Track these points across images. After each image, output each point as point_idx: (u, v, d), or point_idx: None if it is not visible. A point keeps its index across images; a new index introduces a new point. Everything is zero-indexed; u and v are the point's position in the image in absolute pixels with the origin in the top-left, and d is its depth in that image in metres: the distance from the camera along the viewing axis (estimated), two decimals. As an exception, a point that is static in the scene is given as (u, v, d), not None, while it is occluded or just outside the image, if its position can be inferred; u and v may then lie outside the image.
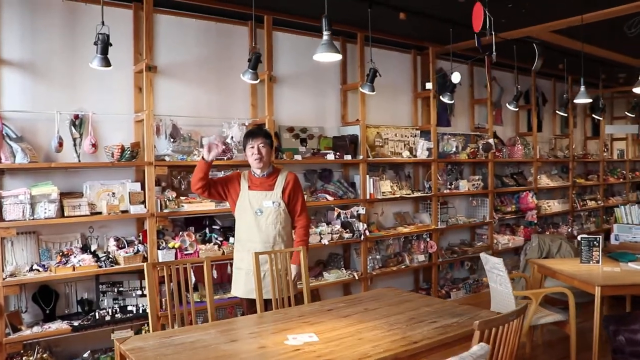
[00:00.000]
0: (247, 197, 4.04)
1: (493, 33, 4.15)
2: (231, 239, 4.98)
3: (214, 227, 5.10)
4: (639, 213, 7.25)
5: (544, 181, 9.26)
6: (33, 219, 4.04)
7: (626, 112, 10.71)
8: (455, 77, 6.11)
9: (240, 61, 5.40)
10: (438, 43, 6.99)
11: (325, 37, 3.56)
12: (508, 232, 8.56)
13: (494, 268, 4.65)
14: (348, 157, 5.93)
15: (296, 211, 4.17)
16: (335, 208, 5.85)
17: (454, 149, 7.33)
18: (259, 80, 4.89)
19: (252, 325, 3.20)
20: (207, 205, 4.82)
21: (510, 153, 8.50)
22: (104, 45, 3.74)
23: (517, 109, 7.77)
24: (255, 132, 4.15)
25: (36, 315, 4.31)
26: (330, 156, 5.76)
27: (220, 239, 5.00)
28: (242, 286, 4.05)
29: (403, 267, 6.63)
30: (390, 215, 6.96)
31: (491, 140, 7.85)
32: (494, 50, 4.38)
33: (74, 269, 4.15)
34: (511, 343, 2.85)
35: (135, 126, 4.77)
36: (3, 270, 3.99)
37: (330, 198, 5.76)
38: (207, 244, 4.90)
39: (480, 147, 7.78)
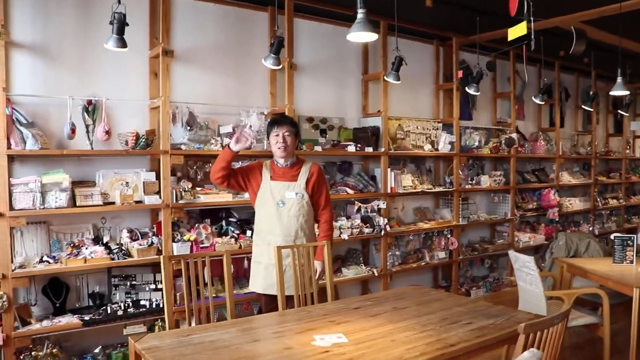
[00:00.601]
0: (269, 188, 3.86)
1: (532, 19, 3.88)
2: (248, 232, 4.79)
3: (230, 219, 4.90)
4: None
5: (566, 178, 9.00)
6: (43, 208, 3.86)
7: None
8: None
9: (259, 48, 5.21)
10: (461, 33, 6.75)
11: (360, 15, 3.33)
12: (528, 229, 8.32)
13: (524, 267, 4.43)
14: (369, 150, 5.71)
15: (320, 204, 4.00)
16: (356, 202, 5.64)
17: (476, 143, 7.09)
18: (280, 66, 4.68)
19: (274, 324, 3.00)
20: (224, 197, 4.62)
21: (532, 149, 8.25)
22: (120, 25, 3.54)
23: (543, 103, 7.52)
24: (281, 119, 3.99)
25: (46, 309, 4.13)
26: (351, 148, 5.55)
27: (237, 232, 4.80)
28: (261, 281, 3.85)
29: (423, 264, 6.42)
30: (410, 211, 6.74)
31: (514, 135, 7.61)
32: (532, 37, 4.11)
33: (85, 261, 3.97)
34: (554, 347, 2.65)
35: (151, 113, 4.58)
36: (12, 262, 3.80)
37: (350, 191, 5.55)
38: (224, 237, 4.70)
39: (503, 141, 7.54)
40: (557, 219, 8.39)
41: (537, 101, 7.13)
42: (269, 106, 5.24)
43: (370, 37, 3.48)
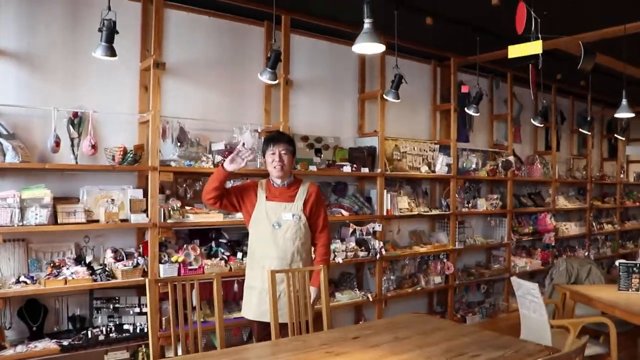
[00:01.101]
0: (264, 209, 3.63)
1: (540, 36, 3.74)
2: (239, 254, 4.58)
3: (220, 240, 4.68)
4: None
5: (562, 202, 8.87)
6: (22, 225, 3.63)
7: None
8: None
9: (254, 63, 5.05)
10: (460, 54, 6.63)
11: (366, 25, 3.17)
12: (524, 254, 8.14)
13: (528, 294, 4.24)
14: (365, 170, 5.53)
15: (317, 227, 3.77)
16: (351, 224, 5.44)
17: (473, 166, 6.94)
18: (277, 81, 4.51)
19: (268, 354, 2.78)
20: (214, 217, 4.41)
21: (529, 172, 8.11)
22: (110, 32, 3.36)
23: (541, 125, 7.39)
24: (277, 137, 3.77)
25: (21, 333, 3.88)
26: (347, 168, 5.37)
27: (228, 253, 4.58)
28: (254, 307, 3.62)
29: (418, 289, 6.22)
30: (405, 234, 6.55)
31: (511, 158, 7.47)
32: (540, 57, 3.96)
33: (66, 282, 3.73)
34: (570, 384, 2.45)
35: (139, 128, 4.38)
36: (-14, 282, 3.56)
37: (345, 213, 5.36)
38: (213, 258, 4.49)
39: (500, 164, 7.40)
40: (553, 244, 8.23)
41: (536, 123, 7.00)
42: (262, 123, 5.06)
43: (377, 48, 3.32)
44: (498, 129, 7.92)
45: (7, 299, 3.69)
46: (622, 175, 10.53)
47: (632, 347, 4.93)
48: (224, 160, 3.58)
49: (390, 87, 5.19)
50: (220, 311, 3.12)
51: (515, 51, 3.78)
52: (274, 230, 3.60)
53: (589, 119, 8.18)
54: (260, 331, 3.61)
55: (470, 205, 7.02)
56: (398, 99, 5.22)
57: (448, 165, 6.52)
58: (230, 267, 4.44)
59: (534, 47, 3.70)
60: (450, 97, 6.69)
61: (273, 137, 3.75)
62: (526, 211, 7.98)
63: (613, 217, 10.19)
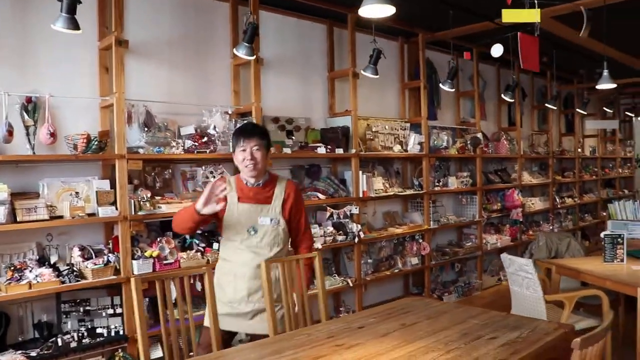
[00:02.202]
0: (236, 212, 3.12)
1: (536, 2, 3.52)
2: (215, 245, 4.28)
3: (195, 231, 4.36)
4: (634, 208, 6.87)
5: (526, 178, 8.87)
6: (-23, 226, 3.24)
7: (604, 108, 10.47)
8: (497, 50, 5.54)
9: (220, 41, 4.75)
10: (427, 30, 6.44)
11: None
12: (493, 231, 8.09)
13: (521, 270, 4.10)
14: (340, 151, 5.29)
15: (299, 230, 3.33)
16: (328, 208, 5.20)
17: (444, 144, 6.79)
18: (254, 56, 4.21)
19: (270, 353, 2.50)
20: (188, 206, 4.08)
21: (496, 148, 8.04)
22: (71, 1, 2.98)
23: (512, 100, 7.31)
24: (248, 130, 3.19)
25: (-19, 345, 3.50)
26: (321, 150, 5.11)
27: (203, 244, 4.28)
28: (225, 317, 3.11)
29: (396, 271, 6.05)
30: (379, 216, 6.36)
31: (479, 135, 7.38)
32: (537, 26, 3.75)
33: (30, 287, 3.37)
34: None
35: (102, 112, 4.01)
36: (-61, 291, 3.16)
37: (321, 196, 5.11)
38: (189, 251, 4.18)
39: (469, 141, 7.28)
40: (521, 219, 8.21)
41: (507, 98, 6.92)
42: (232, 105, 4.74)
43: (387, 10, 3.09)
44: (464, 106, 7.81)
45: (-36, 309, 3.30)
46: (579, 150, 10.65)
47: (618, 317, 4.90)
48: (198, 202, 2.97)
49: (369, 62, 4.94)
50: (214, 306, 2.83)
51: (509, 16, 3.58)
52: (249, 236, 3.13)
53: (555, 93, 8.14)
54: (226, 341, 3.15)
55: (441, 184, 6.90)
56: (377, 74, 5.00)
57: (420, 143, 6.36)
58: (208, 259, 4.13)
59: (530, 15, 3.49)
60: (419, 74, 6.50)
61: (243, 131, 3.18)
62: (495, 187, 7.93)
63: (573, 190, 10.30)
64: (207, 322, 3.11)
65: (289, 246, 3.39)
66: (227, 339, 3.14)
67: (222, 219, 3.13)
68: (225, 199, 3.05)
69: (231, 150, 3.24)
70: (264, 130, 3.32)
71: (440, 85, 6.04)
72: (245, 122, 3.37)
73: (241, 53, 4.04)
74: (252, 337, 3.14)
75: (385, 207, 6.44)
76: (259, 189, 3.18)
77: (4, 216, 3.30)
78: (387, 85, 6.51)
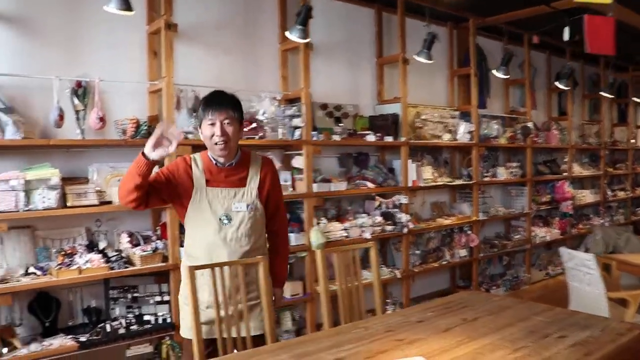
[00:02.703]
0: (206, 198, 2.65)
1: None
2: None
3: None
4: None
5: (577, 169, 8.55)
6: (28, 210, 3.22)
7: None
8: (567, 34, 5.30)
9: (267, 25, 4.63)
10: (478, 15, 6.22)
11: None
12: (541, 224, 7.83)
13: (582, 265, 3.91)
14: (389, 139, 5.15)
15: (277, 211, 2.88)
16: (376, 197, 5.07)
17: (494, 133, 6.58)
18: (308, 39, 4.09)
19: (331, 346, 2.40)
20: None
21: (546, 138, 7.77)
22: (123, -18, 2.91)
23: (567, 88, 7.03)
24: (217, 99, 2.67)
25: (33, 329, 3.48)
26: (371, 137, 4.98)
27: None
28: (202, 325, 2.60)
29: (444, 262, 5.89)
30: (427, 206, 6.20)
31: (530, 124, 7.13)
32: (612, 6, 3.50)
33: (80, 272, 3.33)
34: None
35: (150, 97, 3.95)
36: (-9, 275, 3.15)
37: (370, 185, 4.98)
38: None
39: (519, 131, 7.05)
40: (571, 212, 7.93)
41: (562, 86, 6.64)
42: (280, 91, 4.64)
43: None
44: (513, 94, 7.56)
45: (16, 294, 3.28)
46: (632, 141, 10.24)
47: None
48: (146, 146, 2.50)
49: (423, 47, 4.77)
50: (269, 294, 2.73)
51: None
52: (222, 226, 2.65)
53: (611, 81, 7.80)
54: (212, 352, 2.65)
55: (489, 174, 6.69)
56: (431, 59, 4.83)
57: (470, 132, 6.16)
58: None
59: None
60: (469, 60, 6.29)
61: (211, 101, 2.66)
62: (545, 179, 7.67)
63: (625, 183, 9.92)
64: (186, 333, 2.71)
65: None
66: (212, 351, 2.61)
67: (186, 207, 2.66)
68: (185, 179, 2.65)
69: (198, 124, 2.71)
70: (236, 100, 2.72)
71: (494, 72, 5.82)
72: (214, 90, 2.76)
73: (294, 36, 3.94)
74: (244, 340, 2.64)
75: (433, 197, 6.27)
76: (231, 170, 2.71)
77: (55, 201, 3.27)
78: (435, 72, 6.32)
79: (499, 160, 7.25)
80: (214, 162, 2.69)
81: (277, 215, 2.89)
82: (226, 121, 2.61)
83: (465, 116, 6.32)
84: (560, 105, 8.57)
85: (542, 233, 7.45)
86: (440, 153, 6.27)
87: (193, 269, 2.50)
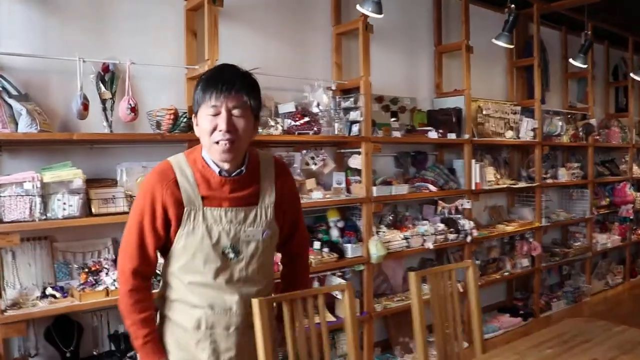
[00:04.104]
0: (203, 224, 1.84)
1: None
2: (315, 244, 3.60)
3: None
4: None
5: (636, 170, 7.86)
6: (46, 219, 2.65)
7: None
8: None
9: (321, 4, 4.03)
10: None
11: None
12: (598, 229, 7.16)
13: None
14: (452, 136, 4.53)
15: (297, 227, 2.14)
16: (439, 201, 4.46)
17: (558, 130, 5.93)
18: (382, 14, 3.50)
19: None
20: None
21: (607, 137, 7.10)
22: None
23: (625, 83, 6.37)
24: (225, 77, 1.80)
25: (51, 359, 2.92)
26: (433, 134, 4.36)
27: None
28: None
29: (506, 274, 5.27)
30: (482, 210, 5.57)
31: (593, 121, 6.47)
32: None
33: (107, 294, 2.76)
34: None
35: (188, 84, 3.36)
36: (1, 297, 2.58)
37: (432, 188, 4.37)
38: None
39: (580, 128, 6.39)
40: (631, 217, 7.25)
41: (637, 77, 5.95)
42: (333, 79, 4.03)
43: None
44: (570, 89, 6.91)
45: (32, 321, 2.72)
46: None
47: None
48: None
49: (504, 28, 4.15)
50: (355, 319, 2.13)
51: None
52: (227, 263, 1.87)
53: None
54: None
55: (549, 175, 6.05)
56: (512, 44, 4.20)
57: (533, 129, 5.52)
58: (311, 262, 3.46)
59: None
60: (530, 51, 5.65)
61: (214, 78, 1.80)
62: (607, 180, 7.00)
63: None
64: None
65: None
66: None
67: (172, 238, 1.86)
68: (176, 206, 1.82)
69: (193, 114, 1.89)
70: (254, 80, 1.86)
71: (571, 60, 5.19)
72: (218, 64, 2.03)
73: (367, 10, 3.34)
74: None
75: (490, 200, 5.65)
76: (239, 181, 1.89)
77: (77, 208, 2.70)
78: (493, 63, 5.69)
79: (558, 161, 6.61)
80: (216, 169, 1.86)
81: (295, 236, 2.13)
82: (236, 111, 1.78)
83: (525, 112, 5.68)
84: (617, 100, 7.89)
85: (603, 239, 6.81)
86: (499, 152, 5.64)
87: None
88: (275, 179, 1.98)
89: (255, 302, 1.84)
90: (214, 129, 1.77)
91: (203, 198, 1.84)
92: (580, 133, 6.38)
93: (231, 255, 1.87)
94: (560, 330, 2.59)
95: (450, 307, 2.47)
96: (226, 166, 1.85)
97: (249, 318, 1.89)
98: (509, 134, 5.33)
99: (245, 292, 1.90)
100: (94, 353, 3.04)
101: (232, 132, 1.77)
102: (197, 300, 1.87)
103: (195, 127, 1.88)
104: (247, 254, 1.89)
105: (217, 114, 1.77)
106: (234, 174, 1.88)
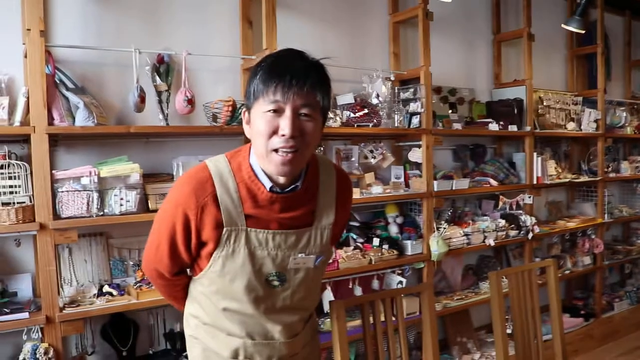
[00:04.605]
0: (245, 247, 1.54)
1: None
2: (375, 240, 3.48)
3: (350, 222, 3.59)
4: None
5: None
6: (103, 215, 2.57)
7: None
8: None
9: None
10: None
11: None
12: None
13: None
14: (513, 128, 4.32)
15: (334, 239, 1.79)
16: (501, 196, 4.26)
17: (622, 121, 5.64)
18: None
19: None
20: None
21: (670, 128, 6.75)
22: None
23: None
24: (293, 67, 1.44)
25: (107, 358, 2.86)
26: (494, 126, 4.16)
27: (361, 240, 3.52)
28: None
29: (567, 272, 5.03)
30: (541, 206, 5.33)
31: (657, 112, 6.15)
32: None
33: (164, 292, 2.66)
34: None
35: (244, 75, 3.25)
36: (59, 295, 2.52)
37: (493, 183, 4.18)
38: (345, 247, 3.41)
39: (645, 119, 6.10)
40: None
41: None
42: (391, 70, 3.87)
43: None
44: (634, 77, 6.58)
45: (89, 319, 2.66)
46: None
47: None
48: None
49: (575, 12, 3.93)
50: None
51: None
52: (269, 291, 1.60)
53: None
54: None
55: (610, 169, 5.77)
56: (583, 30, 3.97)
57: (596, 121, 5.26)
58: (371, 259, 3.33)
59: None
60: (591, 38, 5.37)
61: (280, 67, 1.44)
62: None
63: None
64: None
65: None
66: None
67: (210, 259, 1.56)
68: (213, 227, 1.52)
69: (246, 109, 1.55)
70: (326, 74, 1.51)
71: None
72: (281, 49, 1.59)
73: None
74: None
75: (550, 196, 5.41)
76: (293, 198, 1.55)
77: (135, 204, 2.61)
78: (551, 51, 5.42)
79: (619, 154, 6.31)
80: (267, 183, 1.51)
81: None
82: (305, 110, 1.43)
83: (586, 102, 5.41)
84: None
85: (666, 237, 6.47)
86: (559, 145, 5.39)
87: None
88: (337, 196, 1.64)
89: (332, 305, 1.71)
90: (273, 133, 1.42)
91: (247, 217, 1.51)
92: (645, 124, 6.07)
93: (276, 282, 1.58)
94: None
95: (530, 306, 2.29)
96: (281, 180, 1.50)
97: (293, 346, 1.66)
98: (571, 125, 5.08)
99: (289, 321, 1.64)
100: (150, 352, 2.97)
101: (298, 139, 1.42)
102: (234, 328, 1.61)
103: (245, 126, 1.53)
104: (295, 283, 1.60)
105: (279, 113, 1.41)
106: (287, 189, 1.53)
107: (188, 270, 1.70)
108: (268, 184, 1.50)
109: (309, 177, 1.56)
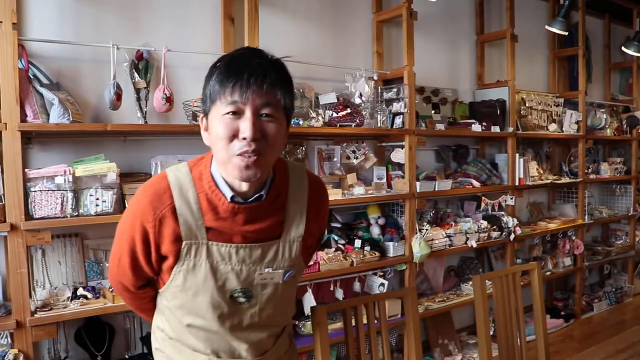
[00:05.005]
0: (207, 262, 1.43)
1: None
2: (357, 242, 3.43)
3: (331, 224, 3.54)
4: None
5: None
6: (78, 216, 2.49)
7: None
8: None
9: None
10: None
11: None
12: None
13: None
14: (496, 129, 4.31)
15: (310, 251, 1.67)
16: (483, 197, 4.25)
17: (602, 123, 5.66)
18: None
19: None
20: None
21: (650, 130, 6.81)
22: None
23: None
24: (251, 66, 1.30)
25: (81, 363, 2.78)
26: (477, 127, 4.15)
27: (343, 241, 3.45)
28: None
29: (548, 273, 5.05)
30: (523, 207, 5.34)
31: (638, 114, 6.19)
32: None
33: (141, 295, 2.59)
34: None
35: (225, 74, 3.18)
36: (31, 298, 2.43)
37: (476, 184, 4.16)
38: (326, 249, 3.36)
39: (625, 121, 6.12)
40: (673, 215, 6.95)
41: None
42: (374, 69, 3.83)
43: None
44: (614, 79, 6.63)
45: (62, 323, 2.58)
46: None
47: None
48: None
49: (557, 14, 3.92)
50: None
51: None
52: (234, 309, 1.49)
53: None
54: None
55: (590, 170, 5.80)
56: (566, 31, 3.96)
57: (577, 122, 5.27)
58: (352, 261, 3.28)
59: None
60: (572, 40, 5.39)
61: (237, 65, 1.31)
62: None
63: None
64: None
65: None
66: None
67: (170, 273, 1.46)
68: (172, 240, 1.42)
69: (202, 112, 1.42)
70: (287, 72, 1.39)
71: (623, 48, 4.93)
72: (238, 48, 1.44)
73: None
74: None
75: (531, 197, 5.43)
76: (258, 208, 1.43)
77: (111, 204, 2.54)
78: (534, 52, 5.43)
79: (599, 155, 6.35)
80: (227, 192, 1.39)
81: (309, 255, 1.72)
82: (266, 110, 1.31)
83: (568, 104, 5.43)
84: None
85: (645, 238, 6.53)
86: (541, 146, 5.40)
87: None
88: (308, 207, 1.51)
89: (314, 311, 1.66)
90: (234, 136, 1.29)
91: (208, 230, 1.40)
92: (624, 126, 6.11)
93: (242, 299, 1.46)
94: (633, 338, 2.39)
95: (514, 308, 2.26)
96: (244, 188, 1.38)
97: None
98: (553, 127, 5.09)
99: (256, 339, 1.53)
100: (126, 356, 2.90)
101: (260, 141, 1.30)
102: (199, 344, 1.51)
103: (203, 133, 1.40)
104: (262, 299, 1.49)
105: (238, 115, 1.29)
106: (251, 199, 1.41)
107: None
108: (229, 194, 1.38)
109: (276, 185, 1.45)
